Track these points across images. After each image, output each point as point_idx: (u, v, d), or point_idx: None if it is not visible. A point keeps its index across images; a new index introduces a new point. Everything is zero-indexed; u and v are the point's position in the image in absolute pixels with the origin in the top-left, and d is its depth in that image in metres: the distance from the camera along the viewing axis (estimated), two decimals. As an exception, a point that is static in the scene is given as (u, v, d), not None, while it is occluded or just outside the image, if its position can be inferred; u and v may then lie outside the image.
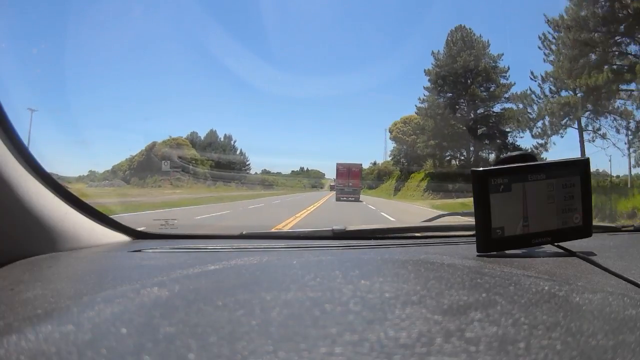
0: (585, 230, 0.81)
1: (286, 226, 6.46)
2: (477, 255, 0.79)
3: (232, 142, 42.52)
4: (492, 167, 0.79)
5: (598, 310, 0.38)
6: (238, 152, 42.23)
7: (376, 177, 44.89)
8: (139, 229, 1.10)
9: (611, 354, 0.29)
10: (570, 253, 0.82)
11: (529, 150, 12.75)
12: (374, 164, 51.50)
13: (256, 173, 44.84)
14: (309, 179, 60.22)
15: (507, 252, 0.80)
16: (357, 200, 22.37)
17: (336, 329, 0.30)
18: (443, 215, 1.38)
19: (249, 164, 43.70)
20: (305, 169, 62.09)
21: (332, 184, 42.33)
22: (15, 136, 0.78)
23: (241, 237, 1.12)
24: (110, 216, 1.04)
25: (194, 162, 32.75)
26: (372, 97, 55.13)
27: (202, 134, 40.20)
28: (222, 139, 41.41)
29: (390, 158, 41.03)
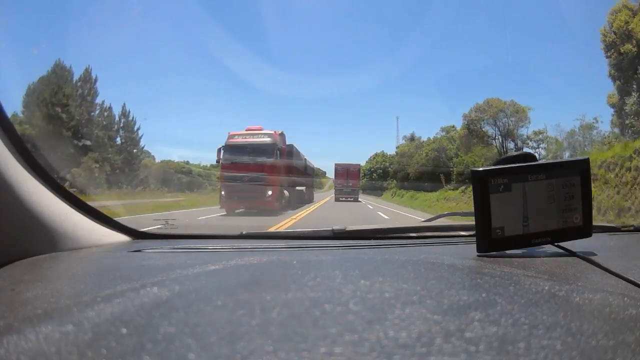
0: (585, 230, 0.81)
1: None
2: (477, 255, 0.79)
3: (92, 86, 20.37)
4: (492, 167, 0.79)
5: (598, 310, 0.38)
6: (116, 117, 21.61)
7: (427, 175, 21.54)
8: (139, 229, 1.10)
9: (611, 354, 0.29)
10: (570, 253, 0.82)
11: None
12: (412, 139, 28.02)
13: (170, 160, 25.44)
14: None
15: (507, 252, 0.80)
16: (356, 200, 22.80)
17: (336, 329, 0.30)
18: (443, 215, 1.38)
19: (139, 142, 22.52)
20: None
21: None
22: (15, 136, 0.78)
23: (241, 237, 1.12)
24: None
25: None
26: (372, 97, 54.99)
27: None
28: (76, 82, 19.98)
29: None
